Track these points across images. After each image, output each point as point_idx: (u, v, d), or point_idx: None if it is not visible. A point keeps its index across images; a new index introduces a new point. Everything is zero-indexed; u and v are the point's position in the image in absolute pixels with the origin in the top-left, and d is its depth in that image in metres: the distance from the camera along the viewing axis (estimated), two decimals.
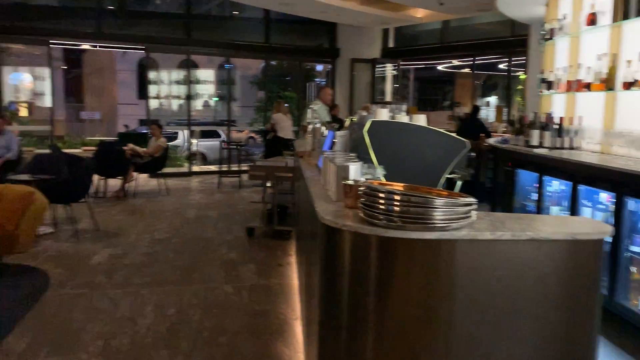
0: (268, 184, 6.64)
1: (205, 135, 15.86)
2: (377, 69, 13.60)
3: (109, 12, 12.83)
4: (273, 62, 16.66)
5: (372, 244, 1.85)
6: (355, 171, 2.24)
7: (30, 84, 20.86)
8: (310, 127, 5.35)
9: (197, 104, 25.64)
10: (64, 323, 3.80)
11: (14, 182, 5.61)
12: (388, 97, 13.68)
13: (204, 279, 4.82)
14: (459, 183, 2.90)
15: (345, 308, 1.96)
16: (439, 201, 1.76)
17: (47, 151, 9.18)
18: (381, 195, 1.80)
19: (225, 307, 4.15)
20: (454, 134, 2.90)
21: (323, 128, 4.44)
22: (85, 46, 13.85)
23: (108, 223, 6.96)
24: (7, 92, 12.86)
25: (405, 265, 1.87)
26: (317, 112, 6.64)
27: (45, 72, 13.36)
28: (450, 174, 2.81)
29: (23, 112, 17.59)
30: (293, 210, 6.64)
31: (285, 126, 10.24)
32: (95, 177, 8.26)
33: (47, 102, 20.38)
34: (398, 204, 1.77)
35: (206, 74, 25.43)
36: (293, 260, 5.39)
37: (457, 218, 1.80)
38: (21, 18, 11.79)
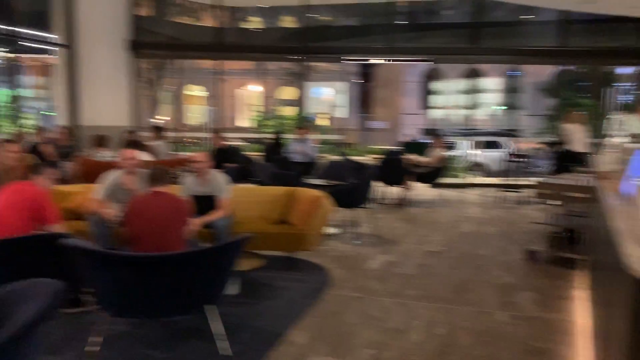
0: (555, 203, 5.94)
1: (486, 145, 15.36)
2: None
3: (399, 27, 13.45)
4: (568, 67, 15.12)
5: None
6: None
7: (329, 97, 23.51)
8: (612, 141, 4.57)
9: (480, 114, 25.14)
10: (340, 324, 4.01)
11: (308, 186, 6.27)
12: None
13: (476, 301, 4.55)
14: None
15: None
16: None
17: (339, 158, 10.09)
18: None
19: (498, 337, 3.82)
20: None
21: (632, 144, 3.71)
22: (377, 60, 14.81)
23: (386, 230, 7.22)
24: (309, 105, 14.60)
25: None
26: (624, 124, 5.65)
27: (341, 86, 14.77)
28: None
29: (321, 122, 19.90)
30: (584, 237, 5.80)
31: (577, 138, 9.11)
32: (379, 184, 8.70)
33: (341, 112, 22.65)
34: None
35: (491, 83, 24.71)
36: (581, 295, 4.68)
37: None
38: (320, 39, 13.23)
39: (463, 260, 5.83)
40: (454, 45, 12.73)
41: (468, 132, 14.18)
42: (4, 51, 13.15)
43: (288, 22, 17.22)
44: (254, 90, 26.02)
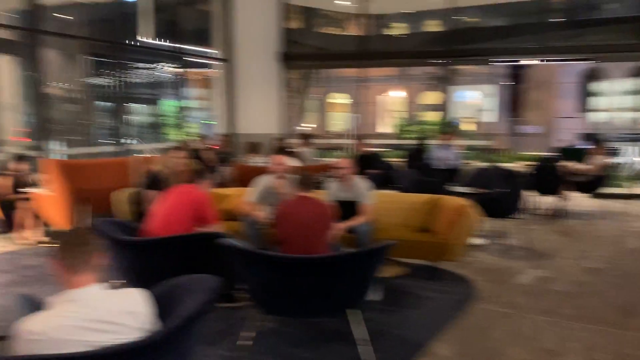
0: None
1: None
2: None
3: (554, 25, 12.54)
4: None
5: None
6: None
7: (475, 100, 22.60)
8: None
9: None
10: (486, 340, 3.81)
11: (452, 194, 6.07)
12: None
13: None
14: None
15: None
16: None
17: (486, 165, 9.64)
18: None
19: None
20: None
21: None
22: (529, 61, 13.95)
23: (538, 242, 6.73)
24: (454, 110, 14.18)
25: None
26: None
27: (489, 88, 14.13)
28: None
29: (467, 126, 19.20)
30: None
31: None
32: (532, 194, 8.17)
33: (489, 117, 21.67)
34: None
35: None
36: None
37: None
38: (467, 41, 12.77)
39: (629, 280, 5.23)
40: (619, 41, 11.53)
41: (636, 137, 12.67)
42: (173, 66, 14.68)
43: (432, 25, 16.93)
44: (396, 96, 25.99)
